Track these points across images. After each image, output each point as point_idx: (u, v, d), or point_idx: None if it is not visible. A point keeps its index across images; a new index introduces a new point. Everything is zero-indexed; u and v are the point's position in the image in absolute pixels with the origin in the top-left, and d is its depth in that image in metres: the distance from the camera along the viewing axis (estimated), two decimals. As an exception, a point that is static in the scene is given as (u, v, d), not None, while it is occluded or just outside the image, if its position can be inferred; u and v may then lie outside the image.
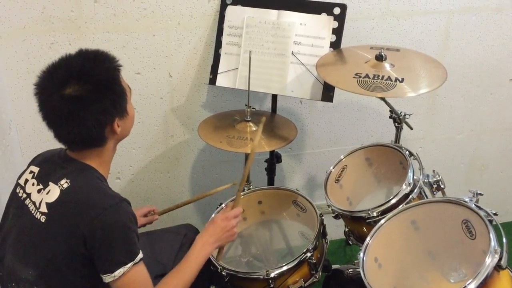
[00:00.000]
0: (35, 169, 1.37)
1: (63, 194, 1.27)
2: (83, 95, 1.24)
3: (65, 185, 1.28)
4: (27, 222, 1.30)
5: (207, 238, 1.50)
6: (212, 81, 1.98)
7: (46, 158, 1.41)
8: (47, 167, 1.36)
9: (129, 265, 1.24)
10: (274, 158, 2.11)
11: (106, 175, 1.39)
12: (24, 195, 1.34)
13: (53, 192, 1.28)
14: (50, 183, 1.30)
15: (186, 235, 1.72)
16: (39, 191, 1.31)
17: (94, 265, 1.27)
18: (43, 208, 1.28)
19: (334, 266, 1.91)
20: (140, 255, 1.28)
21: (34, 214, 1.29)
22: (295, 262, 1.59)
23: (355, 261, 1.96)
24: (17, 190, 1.38)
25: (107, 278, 1.25)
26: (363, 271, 1.43)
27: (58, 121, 1.26)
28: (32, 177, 1.36)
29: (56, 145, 1.37)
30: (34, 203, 1.31)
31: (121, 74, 1.34)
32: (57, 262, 1.26)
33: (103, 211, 1.23)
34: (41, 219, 1.27)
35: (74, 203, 1.26)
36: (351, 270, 1.87)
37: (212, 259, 1.63)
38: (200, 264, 1.44)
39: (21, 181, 1.38)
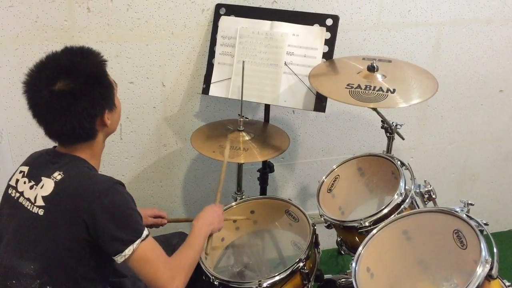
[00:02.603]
0: (25, 168, 1.39)
1: (58, 185, 1.30)
2: (73, 89, 1.27)
3: (59, 177, 1.31)
4: (24, 218, 1.32)
5: (203, 221, 1.57)
6: (205, 90, 1.98)
7: (35, 157, 1.43)
8: (37, 165, 1.38)
9: (137, 242, 1.28)
10: (266, 168, 2.11)
11: (98, 168, 1.42)
12: (17, 194, 1.35)
13: (48, 185, 1.31)
14: (43, 178, 1.32)
15: (178, 243, 1.72)
16: (31, 187, 1.33)
17: (99, 252, 1.29)
18: (40, 202, 1.30)
19: (326, 276, 1.92)
20: (146, 232, 1.32)
21: (31, 209, 1.31)
22: (288, 272, 1.59)
23: (348, 271, 1.96)
24: (9, 191, 1.39)
25: (118, 259, 1.28)
26: (355, 281, 1.43)
27: (50, 117, 1.29)
28: (23, 176, 1.37)
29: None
30: (28, 199, 1.32)
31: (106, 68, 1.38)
32: (60, 252, 1.28)
33: (100, 195, 1.27)
34: (39, 213, 1.29)
35: (70, 192, 1.29)
36: (344, 280, 1.87)
37: (204, 269, 1.63)
38: (202, 243, 1.52)
39: (12, 182, 1.40)
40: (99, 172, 1.42)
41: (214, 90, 1.97)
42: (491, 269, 1.25)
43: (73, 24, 1.90)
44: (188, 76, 2.09)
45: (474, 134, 2.53)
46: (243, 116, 1.91)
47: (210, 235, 1.65)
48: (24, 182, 1.35)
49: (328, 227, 1.81)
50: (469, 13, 2.23)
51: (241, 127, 1.92)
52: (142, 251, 1.29)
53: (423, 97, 1.70)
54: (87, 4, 1.88)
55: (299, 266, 1.61)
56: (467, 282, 1.23)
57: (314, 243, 1.73)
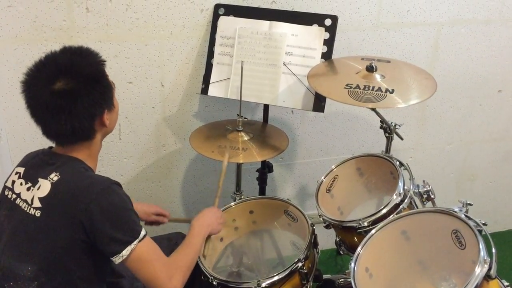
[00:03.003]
0: (21, 170, 1.39)
1: (55, 186, 1.30)
2: (73, 89, 1.28)
3: (55, 178, 1.31)
4: (21, 220, 1.32)
5: (202, 221, 1.59)
6: (204, 91, 1.98)
7: (30, 158, 1.43)
8: (33, 165, 1.38)
9: (134, 242, 1.28)
10: (265, 168, 2.12)
11: (95, 168, 1.42)
12: (14, 196, 1.35)
13: (44, 186, 1.30)
14: (40, 179, 1.32)
15: (177, 244, 1.72)
16: (28, 189, 1.33)
17: (96, 253, 1.29)
18: (37, 203, 1.29)
19: (325, 276, 1.92)
20: (143, 232, 1.32)
21: (28, 211, 1.30)
22: (286, 272, 1.59)
23: (346, 271, 1.96)
24: (6, 193, 1.38)
25: (116, 259, 1.28)
26: (354, 281, 1.44)
27: (49, 116, 1.29)
28: (19, 177, 1.37)
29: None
30: (25, 201, 1.32)
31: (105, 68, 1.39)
32: (58, 253, 1.28)
33: (96, 195, 1.27)
34: (36, 214, 1.29)
35: (67, 193, 1.28)
36: (342, 280, 1.88)
37: (203, 269, 1.63)
38: (201, 243, 1.55)
39: (8, 184, 1.39)
40: (97, 172, 1.42)
41: (213, 90, 1.97)
42: (489, 269, 1.25)
43: (72, 24, 1.90)
44: (187, 76, 2.09)
45: (473, 134, 2.53)
46: (242, 116, 1.92)
47: (208, 237, 1.65)
48: (21, 184, 1.35)
49: (327, 227, 1.81)
50: (468, 13, 2.24)
51: (240, 127, 1.92)
52: (139, 252, 1.29)
53: (422, 97, 1.70)
54: (85, 4, 1.88)
55: (298, 266, 1.61)
56: (465, 282, 1.23)
57: (313, 243, 1.73)
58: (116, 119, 1.46)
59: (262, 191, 2.16)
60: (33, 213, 1.29)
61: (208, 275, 1.61)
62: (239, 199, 1.93)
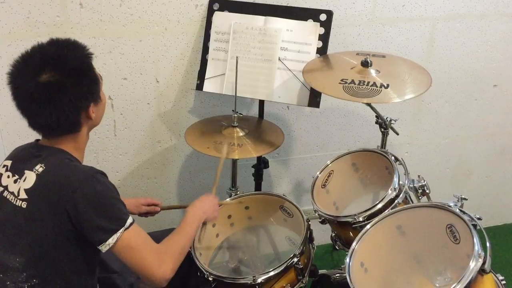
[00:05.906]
0: (8, 163, 1.39)
1: (40, 177, 1.30)
2: (59, 81, 1.27)
3: (40, 169, 1.31)
4: (8, 212, 1.32)
5: (197, 208, 1.58)
6: (199, 86, 1.98)
7: (18, 151, 1.44)
8: (20, 158, 1.38)
9: (120, 231, 1.28)
10: (261, 164, 2.11)
11: (81, 160, 1.42)
12: (1, 189, 1.36)
13: (30, 178, 1.31)
14: (26, 171, 1.32)
15: None
16: (15, 181, 1.33)
17: (84, 242, 1.29)
18: (23, 195, 1.30)
19: (321, 271, 1.92)
20: (130, 220, 1.31)
21: (15, 203, 1.31)
22: (282, 267, 1.59)
23: (342, 266, 1.97)
24: None
25: (103, 248, 1.28)
26: (350, 276, 1.44)
27: (35, 108, 1.29)
28: (6, 170, 1.38)
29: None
30: (12, 193, 1.32)
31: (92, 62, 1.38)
32: (45, 244, 1.28)
33: (80, 184, 1.27)
34: (23, 205, 1.29)
35: (51, 184, 1.29)
36: (338, 275, 1.88)
37: (198, 265, 1.63)
38: (194, 230, 1.52)
39: None
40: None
41: (208, 86, 1.96)
42: (483, 263, 1.25)
43: (66, 20, 1.89)
44: (182, 72, 2.08)
45: (468, 129, 2.54)
46: (237, 112, 1.91)
47: (204, 223, 1.64)
48: (8, 176, 1.36)
49: (323, 222, 1.82)
50: (463, 8, 2.23)
51: (235, 123, 1.92)
52: (126, 239, 1.29)
53: (417, 92, 1.70)
54: (79, 0, 1.87)
55: (293, 261, 1.61)
56: (460, 276, 1.24)
57: (309, 238, 1.73)
58: (103, 112, 1.45)
59: (257, 187, 2.16)
60: (19, 205, 1.30)
61: (204, 271, 1.61)
62: (235, 195, 1.93)
